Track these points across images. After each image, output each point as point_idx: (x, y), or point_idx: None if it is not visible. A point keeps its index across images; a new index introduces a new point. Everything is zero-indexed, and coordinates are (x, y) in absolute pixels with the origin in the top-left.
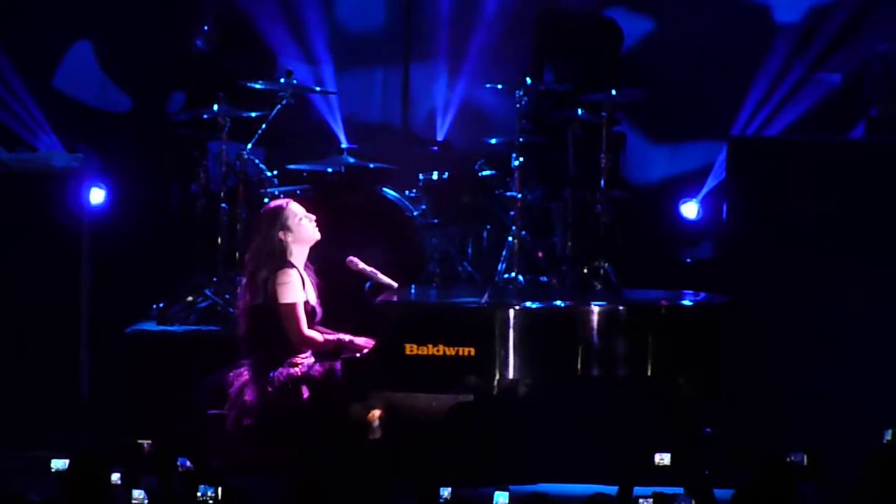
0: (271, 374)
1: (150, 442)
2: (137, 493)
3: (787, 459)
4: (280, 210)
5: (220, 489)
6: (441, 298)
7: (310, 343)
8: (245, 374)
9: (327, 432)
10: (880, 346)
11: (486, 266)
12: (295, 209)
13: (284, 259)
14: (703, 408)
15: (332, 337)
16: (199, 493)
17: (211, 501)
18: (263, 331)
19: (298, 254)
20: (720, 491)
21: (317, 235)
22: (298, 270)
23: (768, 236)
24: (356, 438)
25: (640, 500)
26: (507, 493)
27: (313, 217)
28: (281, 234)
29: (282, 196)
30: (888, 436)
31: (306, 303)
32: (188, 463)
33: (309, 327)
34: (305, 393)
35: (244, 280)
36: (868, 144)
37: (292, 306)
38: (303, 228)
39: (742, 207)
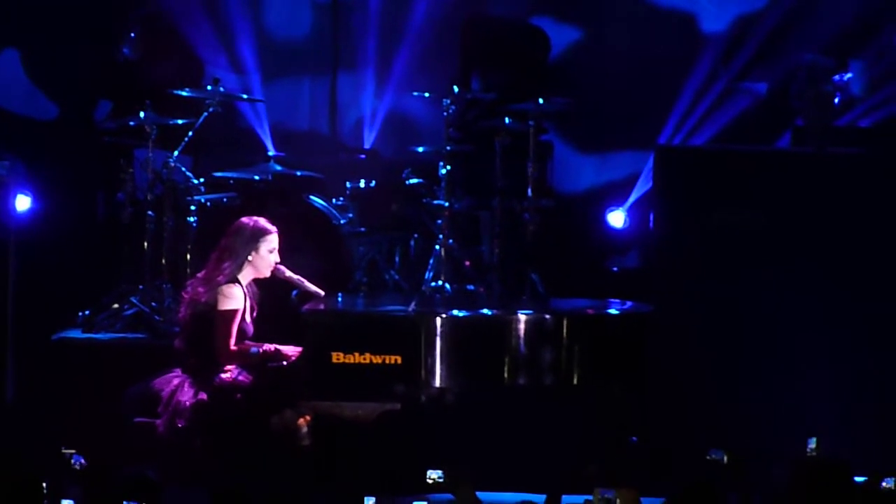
0: (206, 378)
1: (74, 451)
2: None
3: (707, 458)
4: (264, 233)
5: None
6: (368, 307)
7: (234, 356)
8: (175, 380)
9: (256, 438)
10: (804, 352)
11: (414, 274)
12: (274, 240)
13: (236, 274)
14: (629, 416)
15: (257, 349)
16: None
17: None
18: (200, 335)
19: (247, 276)
20: (648, 500)
21: (268, 274)
22: (244, 290)
23: (694, 245)
24: (285, 445)
25: None
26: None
27: (278, 261)
28: (252, 254)
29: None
30: (812, 444)
31: (242, 320)
32: (82, 460)
33: (237, 343)
34: (238, 397)
35: (197, 276)
36: (794, 154)
37: (229, 314)
38: (267, 260)
39: (668, 216)
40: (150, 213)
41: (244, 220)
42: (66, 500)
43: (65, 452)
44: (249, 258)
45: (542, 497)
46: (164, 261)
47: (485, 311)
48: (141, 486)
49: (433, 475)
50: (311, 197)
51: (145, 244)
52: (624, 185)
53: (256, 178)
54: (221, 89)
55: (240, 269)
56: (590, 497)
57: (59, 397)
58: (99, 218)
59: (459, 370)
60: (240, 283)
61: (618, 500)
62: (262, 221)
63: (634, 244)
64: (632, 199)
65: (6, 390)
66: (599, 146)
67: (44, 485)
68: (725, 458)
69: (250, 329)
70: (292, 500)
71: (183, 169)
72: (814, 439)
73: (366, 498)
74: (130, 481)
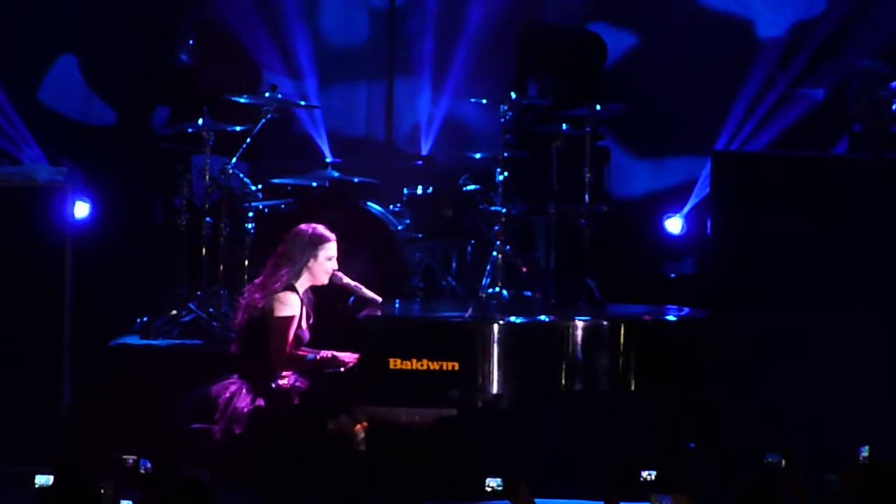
0: (263, 384)
1: (134, 458)
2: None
3: (765, 461)
4: (323, 240)
5: None
6: (425, 313)
7: (291, 362)
8: (232, 386)
9: (313, 444)
10: (862, 360)
11: (470, 280)
12: (333, 248)
13: (292, 282)
14: (686, 422)
15: (314, 355)
16: None
17: None
18: (257, 342)
19: (304, 283)
20: None
21: (325, 281)
22: (300, 297)
23: (751, 251)
24: (341, 451)
25: None
26: None
27: (336, 266)
28: (310, 261)
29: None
30: (864, 452)
31: (298, 327)
32: (149, 465)
33: (293, 350)
34: (295, 404)
35: (254, 282)
36: (851, 160)
37: (285, 321)
38: (324, 267)
39: (726, 222)
40: (207, 219)
41: (303, 227)
42: (125, 502)
43: (125, 458)
44: (307, 265)
45: None
46: (221, 267)
47: (541, 317)
48: (195, 490)
49: (492, 483)
50: (368, 203)
51: (203, 250)
52: (681, 191)
53: (314, 184)
54: (279, 96)
55: (297, 276)
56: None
57: (117, 403)
58: (156, 224)
59: (516, 376)
60: (296, 290)
61: (783, 463)
62: (321, 229)
63: (691, 250)
64: (689, 205)
65: (64, 396)
66: (656, 152)
67: (101, 490)
68: (783, 462)
69: (306, 336)
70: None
71: (240, 175)
72: (866, 448)
73: None
74: (185, 485)
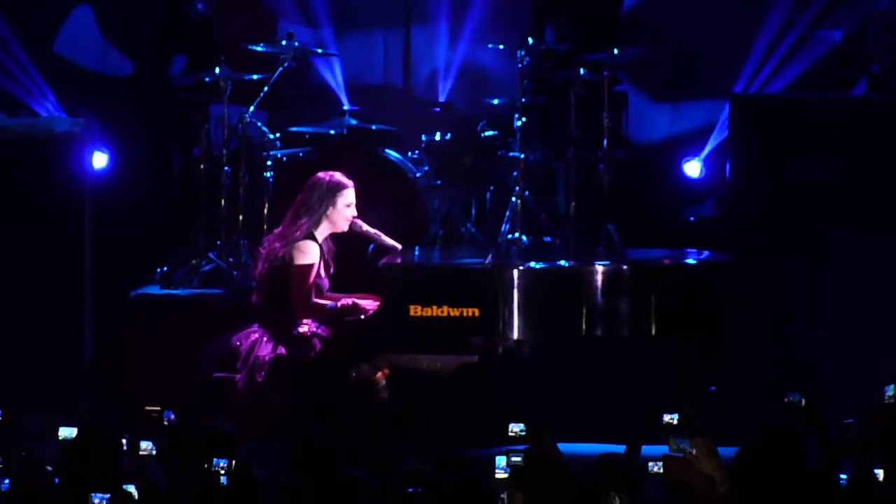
0: (284, 332)
1: (158, 409)
2: (145, 444)
3: (785, 401)
4: (341, 187)
5: (233, 462)
6: (444, 260)
7: (311, 310)
8: (253, 335)
9: (334, 392)
10: (882, 302)
11: (490, 227)
12: (351, 194)
13: (312, 230)
14: (706, 366)
15: (334, 303)
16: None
17: (223, 472)
18: (277, 291)
19: (324, 231)
20: (724, 449)
21: (345, 228)
22: (320, 245)
23: (771, 194)
24: (363, 399)
25: (650, 464)
26: (507, 455)
27: (355, 215)
28: (329, 209)
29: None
30: (890, 391)
31: (318, 275)
32: (172, 416)
33: (316, 295)
34: (316, 352)
35: (274, 231)
36: (870, 101)
37: (305, 269)
38: (343, 215)
39: (745, 165)
40: (226, 168)
41: (320, 175)
42: (145, 442)
43: (149, 410)
44: (326, 213)
45: (622, 448)
46: (240, 216)
47: (561, 262)
48: (217, 438)
49: (515, 428)
50: (387, 151)
51: (222, 200)
52: (699, 135)
53: (332, 132)
54: (296, 44)
55: (316, 224)
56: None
57: (138, 353)
58: (175, 174)
59: (536, 322)
60: (316, 238)
61: (693, 450)
62: (339, 176)
63: (710, 194)
64: (707, 148)
65: (85, 347)
66: (674, 96)
67: (123, 440)
68: (802, 402)
69: (326, 284)
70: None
71: (258, 124)
72: (892, 386)
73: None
74: (206, 433)
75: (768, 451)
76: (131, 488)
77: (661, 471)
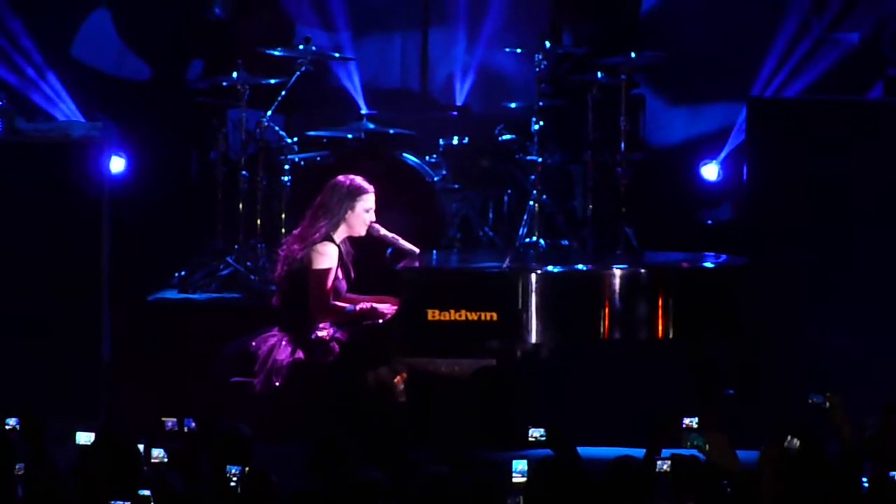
0: (302, 336)
1: (173, 420)
2: (157, 452)
3: (809, 402)
4: (361, 191)
5: (246, 469)
6: (462, 263)
7: (330, 313)
8: (272, 338)
9: (353, 395)
10: None
11: (507, 230)
12: (371, 199)
13: (331, 233)
14: (726, 369)
15: (353, 307)
16: (226, 473)
17: (236, 480)
18: (296, 293)
19: (342, 234)
20: (744, 453)
21: (363, 233)
22: (339, 248)
23: (788, 197)
24: (381, 402)
25: (658, 463)
26: (525, 462)
27: (373, 218)
28: (348, 212)
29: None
30: None
31: (336, 278)
32: (193, 424)
33: (334, 298)
34: (334, 355)
35: (293, 233)
36: (886, 104)
37: (323, 272)
38: (362, 219)
39: (762, 168)
40: (243, 172)
41: (340, 178)
42: (156, 449)
43: (164, 421)
44: (345, 217)
45: (640, 451)
46: (258, 220)
47: (579, 266)
48: (235, 442)
49: (535, 433)
50: (404, 154)
51: (240, 204)
52: (717, 138)
53: (349, 136)
54: (313, 48)
55: (335, 227)
56: (691, 452)
57: (156, 358)
58: (192, 178)
59: (554, 326)
60: (334, 241)
61: (707, 446)
62: (359, 180)
63: (728, 197)
64: (725, 151)
65: (103, 351)
66: (691, 99)
67: (141, 446)
68: (826, 403)
69: (344, 287)
70: (392, 453)
71: (276, 128)
72: None
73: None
74: (224, 437)
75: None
76: (148, 494)
77: (669, 470)
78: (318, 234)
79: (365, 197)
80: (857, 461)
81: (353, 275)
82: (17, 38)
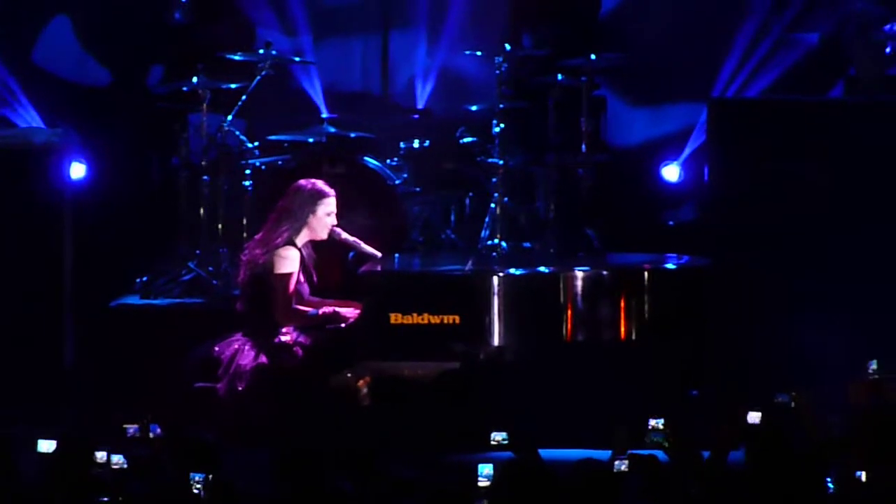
0: (266, 340)
1: (135, 427)
2: (117, 458)
3: (775, 401)
4: (322, 195)
5: (210, 477)
6: (424, 267)
7: (293, 317)
8: (236, 343)
9: (317, 399)
10: (861, 303)
11: (469, 233)
12: (332, 203)
13: (293, 237)
14: (688, 370)
15: (315, 311)
16: (189, 480)
17: (199, 487)
18: (259, 298)
19: (304, 238)
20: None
21: (325, 236)
22: (300, 251)
23: (749, 197)
24: (345, 406)
25: (616, 463)
26: (490, 465)
27: (335, 221)
28: (310, 216)
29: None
30: (873, 365)
31: (298, 281)
32: (158, 430)
33: (297, 302)
34: (297, 359)
35: (254, 238)
36: (846, 104)
37: (286, 277)
38: (324, 223)
39: (723, 169)
40: (205, 177)
41: (302, 182)
42: (116, 455)
43: (126, 428)
44: (307, 220)
45: (604, 453)
46: (220, 225)
47: (542, 268)
48: (198, 447)
49: (497, 437)
50: (366, 158)
51: (201, 209)
52: (678, 139)
53: (310, 140)
54: (273, 52)
55: (297, 231)
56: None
57: (119, 364)
58: (154, 183)
59: (517, 328)
60: (296, 245)
61: (793, 403)
62: (320, 184)
63: (690, 197)
64: (686, 152)
65: (65, 358)
66: (652, 99)
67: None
68: (792, 402)
69: (307, 291)
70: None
71: (237, 133)
72: (875, 361)
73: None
74: (187, 443)
75: (757, 452)
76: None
77: (627, 469)
78: (280, 239)
79: (326, 201)
80: (822, 460)
81: (315, 279)
82: None
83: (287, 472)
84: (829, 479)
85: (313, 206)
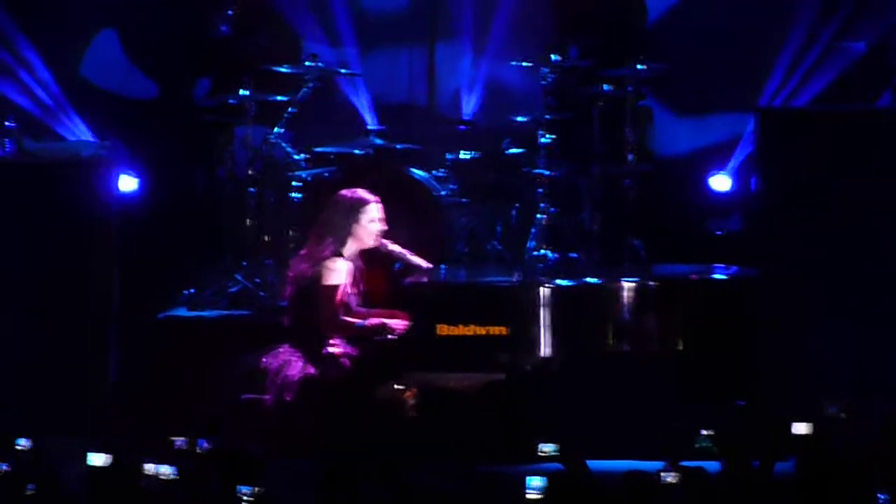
0: (313, 352)
1: (183, 440)
2: (166, 469)
3: (824, 412)
4: (364, 203)
5: (256, 489)
6: (471, 278)
7: (340, 328)
8: (283, 354)
9: (363, 411)
10: None
11: (516, 244)
12: (376, 209)
13: (339, 248)
14: (736, 380)
15: (363, 322)
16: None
17: (246, 500)
18: (306, 311)
19: (351, 248)
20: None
21: (371, 244)
22: (348, 263)
23: (798, 207)
24: (391, 417)
25: (662, 475)
26: (539, 477)
27: (384, 228)
28: (353, 225)
29: (310, 179)
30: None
31: (344, 292)
32: (206, 444)
33: (344, 313)
34: (345, 371)
35: (300, 253)
36: (894, 112)
37: (332, 288)
38: (369, 230)
39: (771, 178)
40: (251, 189)
41: (343, 192)
42: (166, 467)
43: (173, 440)
44: (351, 230)
45: (652, 464)
46: (266, 237)
47: (588, 279)
48: (245, 459)
49: (546, 448)
50: (412, 169)
51: (247, 221)
52: (725, 148)
53: (357, 151)
54: (320, 64)
55: (342, 242)
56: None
57: (167, 376)
58: (200, 195)
59: (564, 339)
60: (343, 256)
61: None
62: (361, 192)
63: (737, 207)
64: (734, 161)
65: (111, 370)
66: (699, 109)
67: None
68: (843, 414)
69: (355, 301)
70: (402, 468)
71: (283, 144)
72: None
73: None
74: (234, 455)
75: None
76: None
77: (674, 481)
78: (326, 251)
79: (369, 208)
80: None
81: (362, 289)
82: (25, 58)
83: (332, 483)
84: (880, 492)
85: (356, 215)
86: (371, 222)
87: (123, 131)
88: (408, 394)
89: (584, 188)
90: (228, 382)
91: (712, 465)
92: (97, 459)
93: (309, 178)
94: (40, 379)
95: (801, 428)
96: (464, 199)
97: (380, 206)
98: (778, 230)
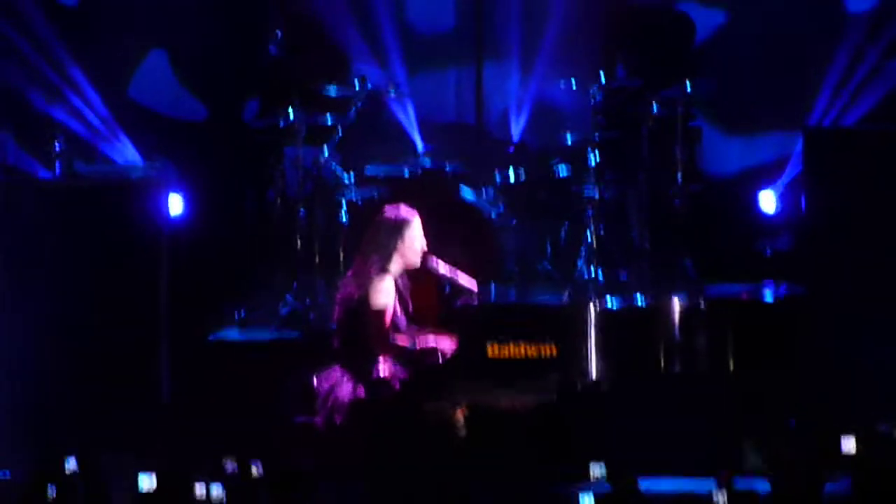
0: (363, 374)
1: (233, 463)
2: (216, 489)
3: (878, 430)
4: (406, 221)
5: None
6: (521, 298)
7: (390, 350)
8: (334, 375)
9: (413, 431)
10: None
11: (565, 264)
12: (417, 226)
13: (385, 267)
14: (786, 399)
15: (413, 345)
16: None
17: None
18: (356, 332)
19: (397, 267)
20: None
21: (417, 262)
22: (395, 280)
23: (847, 226)
24: (441, 438)
25: (715, 496)
26: (590, 496)
27: (425, 247)
28: (398, 243)
29: (359, 200)
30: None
31: (394, 312)
32: (259, 466)
33: (394, 333)
34: (395, 392)
35: (347, 275)
36: None
37: (381, 308)
38: (413, 248)
39: (820, 198)
40: (301, 210)
41: (384, 212)
42: (215, 487)
43: (225, 462)
44: (395, 248)
45: (703, 483)
46: (316, 258)
47: (638, 298)
48: (296, 480)
49: (596, 469)
50: (461, 190)
51: (297, 242)
52: (774, 168)
53: (406, 172)
54: (368, 86)
55: (388, 260)
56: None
57: (218, 397)
58: (250, 217)
59: (614, 359)
60: (390, 275)
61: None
62: (403, 211)
63: (787, 227)
64: (783, 181)
65: (163, 391)
66: (747, 128)
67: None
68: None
69: (404, 321)
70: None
71: (333, 165)
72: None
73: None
74: (285, 476)
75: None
76: None
77: (725, 502)
78: (372, 271)
79: (412, 225)
80: None
81: (411, 308)
82: (74, 80)
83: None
84: None
85: (400, 234)
86: (414, 239)
87: (173, 153)
88: (457, 414)
89: (633, 207)
90: (279, 403)
91: (762, 485)
92: (148, 483)
93: (358, 200)
94: (93, 398)
95: (851, 446)
96: (513, 220)
97: (419, 222)
98: (827, 249)
